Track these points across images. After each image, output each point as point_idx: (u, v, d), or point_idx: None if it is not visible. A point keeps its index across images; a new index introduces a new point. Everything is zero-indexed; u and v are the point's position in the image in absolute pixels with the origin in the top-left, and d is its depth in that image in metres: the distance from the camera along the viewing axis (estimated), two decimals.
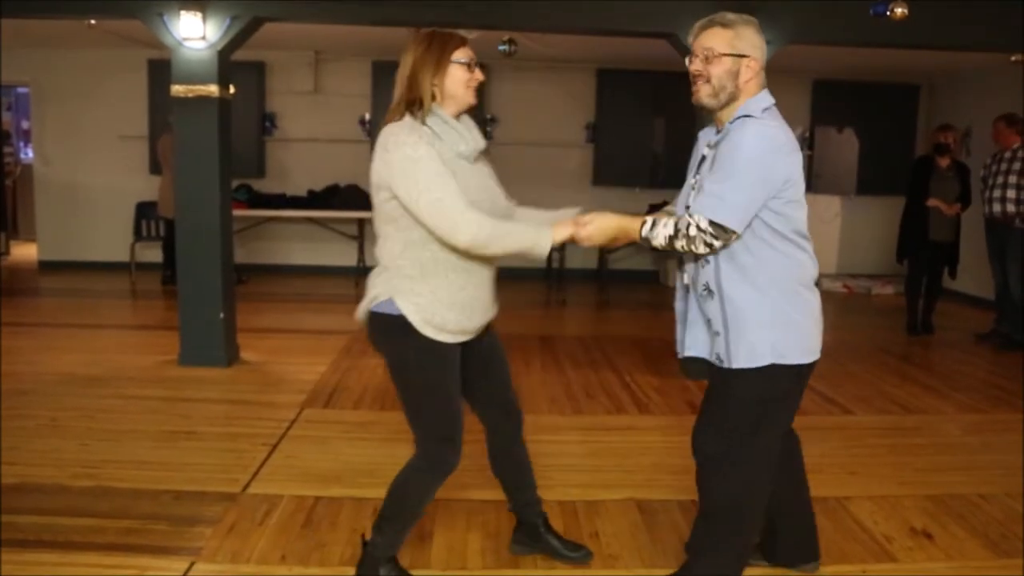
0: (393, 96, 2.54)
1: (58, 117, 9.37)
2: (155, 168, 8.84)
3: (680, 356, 2.63)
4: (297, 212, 8.91)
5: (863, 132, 9.79)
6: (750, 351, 2.42)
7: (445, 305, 2.49)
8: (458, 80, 2.50)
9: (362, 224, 9.15)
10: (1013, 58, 7.32)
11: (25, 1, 5.19)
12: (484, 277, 2.59)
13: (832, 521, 3.39)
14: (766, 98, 2.51)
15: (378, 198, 2.48)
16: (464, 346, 2.62)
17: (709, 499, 2.62)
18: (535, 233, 2.45)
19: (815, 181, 9.85)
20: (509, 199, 2.70)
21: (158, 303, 7.91)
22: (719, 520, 2.60)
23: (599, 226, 2.44)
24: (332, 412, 4.66)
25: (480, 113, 9.00)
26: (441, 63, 2.48)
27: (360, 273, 9.07)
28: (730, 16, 2.43)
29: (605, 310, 8.29)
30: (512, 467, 2.95)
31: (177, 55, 5.23)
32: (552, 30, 5.48)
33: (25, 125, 11.46)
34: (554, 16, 5.15)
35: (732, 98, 2.45)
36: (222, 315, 5.44)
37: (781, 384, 2.48)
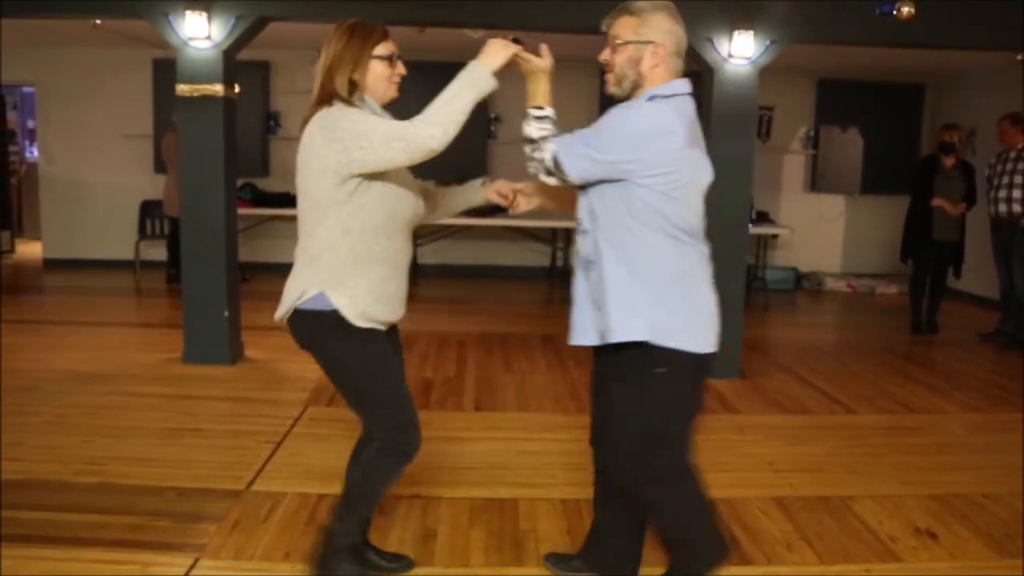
0: (313, 89, 2.47)
1: (63, 116, 9.40)
2: (160, 167, 8.86)
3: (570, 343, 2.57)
4: None
5: (867, 131, 9.76)
6: (628, 326, 2.35)
7: (374, 297, 2.47)
8: (379, 75, 2.47)
9: None
10: (1019, 57, 7.30)
11: (30, 1, 5.20)
12: (404, 271, 2.58)
13: (836, 520, 3.39)
14: (673, 87, 2.39)
15: (319, 183, 2.38)
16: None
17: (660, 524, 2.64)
18: (467, 75, 2.33)
19: (819, 180, 9.85)
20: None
21: (162, 301, 7.93)
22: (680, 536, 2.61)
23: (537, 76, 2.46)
24: (335, 410, 4.66)
25: (484, 112, 9.02)
26: (361, 58, 2.44)
27: None
28: (641, 3, 2.39)
29: None
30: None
31: (182, 55, 5.24)
32: (555, 29, 5.46)
33: (30, 124, 11.49)
34: (557, 15, 5.15)
35: (635, 86, 2.39)
36: (226, 313, 5.45)
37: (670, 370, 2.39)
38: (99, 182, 9.45)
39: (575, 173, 2.36)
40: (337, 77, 2.42)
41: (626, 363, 2.41)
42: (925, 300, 7.22)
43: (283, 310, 2.54)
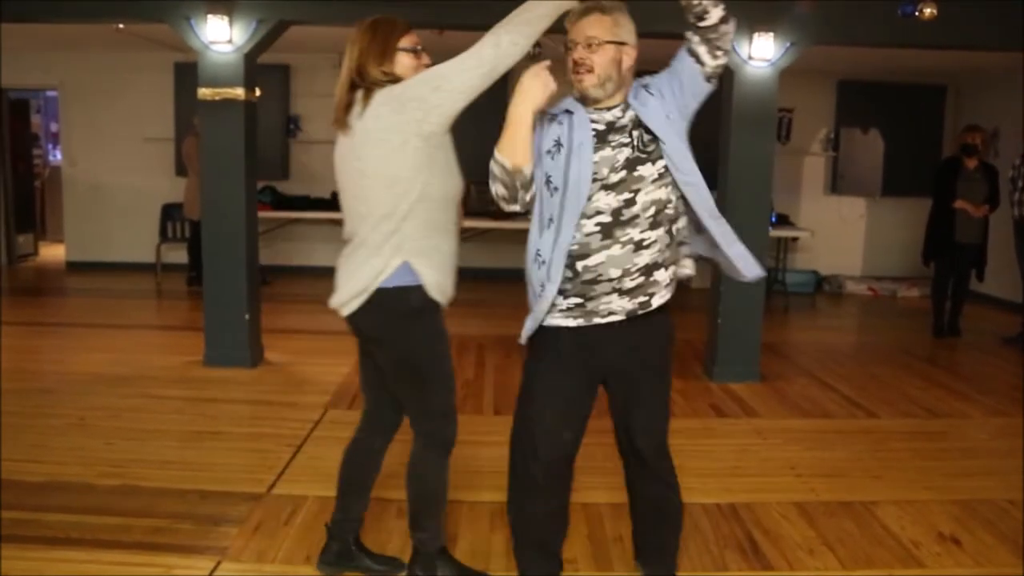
0: (343, 88, 2.49)
1: (86, 119, 9.48)
2: (181, 170, 8.92)
3: None
4: (321, 214, 8.94)
5: (889, 133, 9.69)
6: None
7: (447, 269, 2.53)
8: (407, 67, 2.49)
9: None
10: None
11: (54, 5, 5.25)
12: (457, 240, 2.60)
13: (859, 525, 3.36)
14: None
15: (400, 156, 2.39)
16: None
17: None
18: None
19: (839, 182, 9.78)
20: None
21: (183, 304, 7.98)
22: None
23: None
24: (356, 413, 4.59)
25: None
26: (387, 51, 2.47)
27: None
28: (608, 3, 2.38)
29: None
30: (366, 470, 2.89)
31: (204, 58, 5.27)
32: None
33: (54, 128, 11.60)
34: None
35: (617, 87, 2.40)
36: (247, 316, 5.48)
37: None
38: (121, 185, 9.52)
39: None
40: (370, 70, 2.45)
41: (662, 322, 2.49)
42: (947, 303, 7.15)
43: (353, 295, 2.48)
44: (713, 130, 5.77)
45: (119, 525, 3.18)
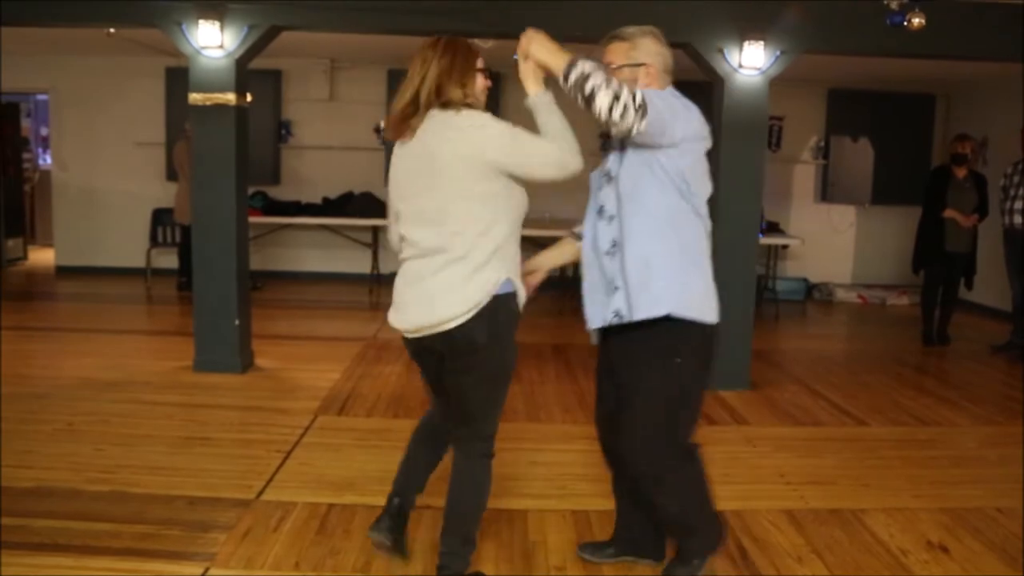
0: (405, 100, 2.58)
1: (76, 124, 9.46)
2: (171, 175, 8.90)
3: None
4: (312, 219, 8.93)
5: (879, 141, 9.73)
6: (655, 302, 2.53)
7: (519, 281, 2.64)
8: (481, 87, 2.64)
9: (376, 232, 9.15)
10: None
11: (45, 9, 5.24)
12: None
13: (848, 533, 3.37)
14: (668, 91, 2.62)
15: (482, 179, 2.50)
16: None
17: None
18: (542, 103, 2.57)
19: (830, 190, 9.82)
20: None
21: (173, 309, 7.95)
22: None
23: (540, 42, 2.55)
24: (346, 419, 4.67)
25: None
26: (468, 71, 2.59)
27: (374, 280, 9.11)
28: (629, 29, 2.64)
29: None
30: (434, 450, 2.99)
31: (195, 63, 5.27)
32: (567, 40, 5.47)
33: (44, 132, 11.57)
34: (569, 26, 5.15)
35: None
36: (237, 322, 5.46)
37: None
38: (111, 190, 9.51)
39: (654, 114, 2.38)
40: (450, 88, 2.55)
41: (647, 340, 2.56)
42: (937, 311, 7.18)
43: (463, 310, 2.51)
44: None
45: (108, 531, 3.17)
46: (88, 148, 9.49)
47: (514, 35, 2.67)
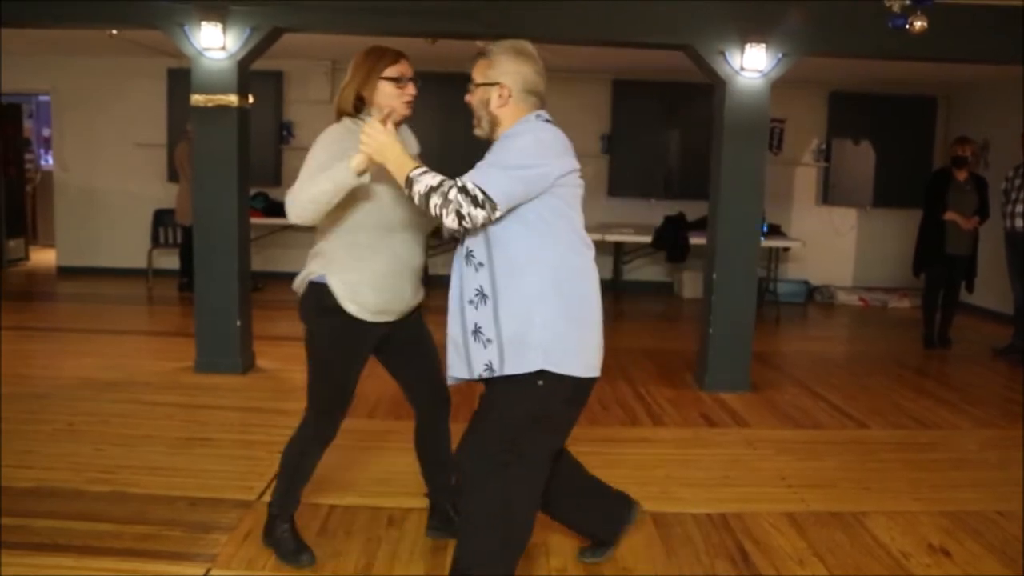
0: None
1: (78, 124, 9.47)
2: (173, 176, 8.91)
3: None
4: None
5: (880, 144, 9.74)
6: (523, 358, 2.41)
7: (368, 285, 2.71)
8: (387, 94, 2.68)
9: None
10: None
11: (48, 10, 5.24)
12: (407, 263, 2.80)
13: (848, 536, 3.37)
14: (526, 121, 2.48)
15: None
16: (393, 328, 2.85)
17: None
18: (335, 170, 2.56)
19: (831, 193, 9.82)
20: None
21: (175, 309, 7.96)
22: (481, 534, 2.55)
23: (381, 143, 2.42)
24: (347, 421, 4.59)
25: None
26: (370, 77, 2.67)
27: None
28: (493, 46, 2.51)
29: (619, 321, 8.26)
30: (432, 449, 3.12)
31: (197, 65, 5.27)
32: (567, 41, 5.48)
33: (46, 132, 11.57)
34: (569, 27, 5.16)
35: (493, 124, 2.49)
36: (238, 322, 5.46)
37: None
38: (113, 190, 9.51)
39: (501, 195, 2.29)
40: (347, 95, 2.70)
41: (512, 387, 2.45)
42: (938, 314, 7.18)
43: (299, 282, 2.90)
44: (705, 140, 5.80)
45: (108, 532, 3.17)
46: (90, 149, 9.49)
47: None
